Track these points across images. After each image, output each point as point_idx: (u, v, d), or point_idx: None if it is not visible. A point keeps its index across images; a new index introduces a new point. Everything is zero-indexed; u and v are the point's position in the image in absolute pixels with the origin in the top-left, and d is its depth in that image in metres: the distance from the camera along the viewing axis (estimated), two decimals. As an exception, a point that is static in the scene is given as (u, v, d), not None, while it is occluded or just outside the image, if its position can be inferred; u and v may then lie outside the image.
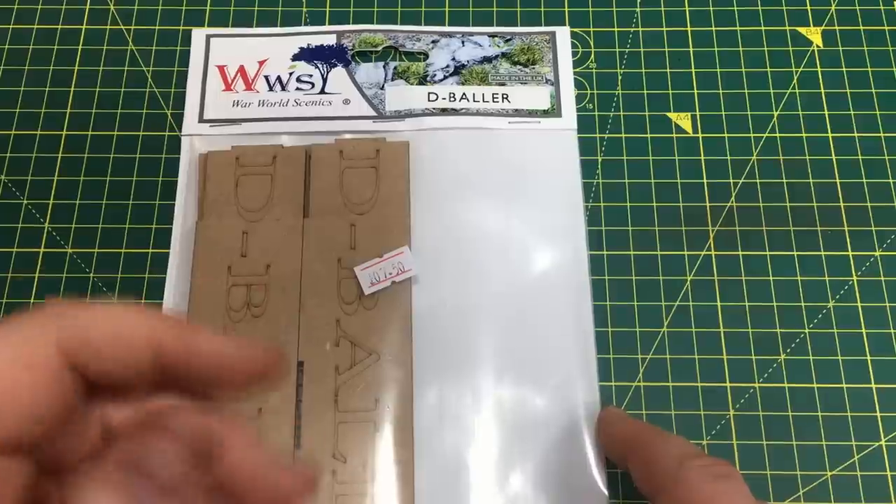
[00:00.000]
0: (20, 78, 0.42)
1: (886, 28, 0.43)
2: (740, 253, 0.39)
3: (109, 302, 0.25)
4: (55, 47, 0.43)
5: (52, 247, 0.39)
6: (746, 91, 0.42)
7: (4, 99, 0.42)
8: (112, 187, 0.40)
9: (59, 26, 0.44)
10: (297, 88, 0.41)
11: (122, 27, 0.44)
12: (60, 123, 0.41)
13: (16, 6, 0.44)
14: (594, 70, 0.43)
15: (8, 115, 0.42)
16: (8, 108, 0.42)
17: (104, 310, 0.20)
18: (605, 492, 0.34)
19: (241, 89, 0.41)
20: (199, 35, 0.43)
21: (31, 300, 0.38)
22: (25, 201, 0.40)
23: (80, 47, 0.43)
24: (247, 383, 0.22)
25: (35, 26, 0.44)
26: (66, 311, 0.19)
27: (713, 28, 0.43)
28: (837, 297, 0.38)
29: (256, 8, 0.44)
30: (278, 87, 0.41)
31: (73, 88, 0.42)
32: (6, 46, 0.43)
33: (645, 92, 0.42)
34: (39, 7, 0.44)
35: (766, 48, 0.43)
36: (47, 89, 0.42)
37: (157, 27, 0.44)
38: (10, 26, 0.44)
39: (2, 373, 0.18)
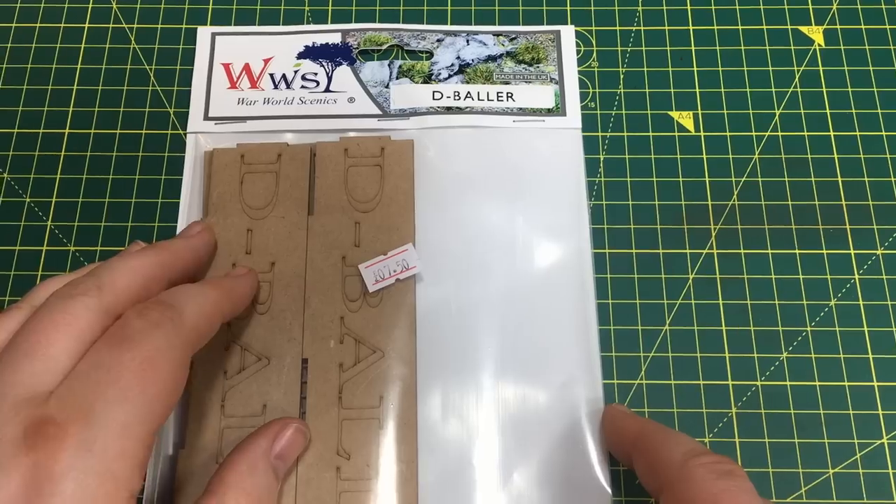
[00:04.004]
0: (23, 76, 0.42)
1: (888, 26, 0.43)
2: (742, 251, 0.39)
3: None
4: (58, 46, 0.43)
5: (55, 245, 0.39)
6: (748, 89, 0.42)
7: (7, 97, 0.42)
8: (115, 185, 0.40)
9: (62, 25, 0.44)
10: (302, 86, 0.41)
11: (124, 26, 0.44)
12: (63, 122, 0.41)
13: (18, 5, 0.44)
14: (596, 69, 0.43)
15: (11, 113, 0.42)
16: (11, 106, 0.42)
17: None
18: (609, 489, 0.35)
19: (247, 87, 0.41)
20: (204, 33, 0.43)
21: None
22: (28, 199, 0.40)
23: (82, 46, 0.43)
24: None
25: (38, 25, 0.44)
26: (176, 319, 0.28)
27: (715, 27, 0.44)
28: (839, 295, 0.38)
29: (259, 7, 0.44)
30: (283, 85, 0.41)
31: (75, 87, 0.42)
32: (9, 45, 0.43)
33: (647, 90, 0.42)
34: (42, 6, 0.44)
35: (767, 47, 0.43)
36: (50, 88, 0.42)
37: (159, 26, 0.44)
38: (13, 25, 0.44)
39: (168, 375, 0.26)
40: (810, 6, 0.44)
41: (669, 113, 0.42)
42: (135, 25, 0.44)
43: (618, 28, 0.44)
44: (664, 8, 0.44)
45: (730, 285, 0.38)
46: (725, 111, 0.42)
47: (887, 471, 0.35)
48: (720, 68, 0.43)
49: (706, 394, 0.37)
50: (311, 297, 0.37)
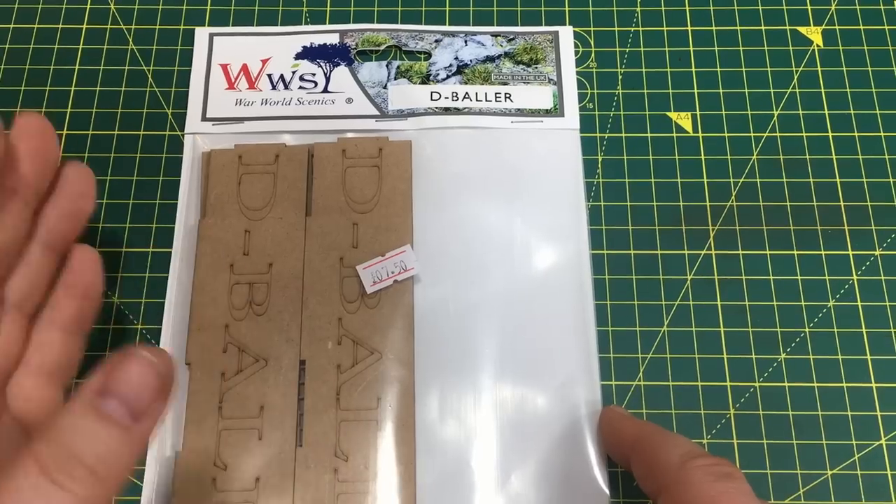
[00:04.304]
0: (21, 77, 0.42)
1: (886, 27, 0.43)
2: (740, 252, 0.39)
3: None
4: (56, 47, 0.43)
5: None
6: (747, 90, 0.42)
7: (5, 98, 0.42)
8: (112, 186, 0.40)
9: (60, 26, 0.44)
10: (300, 87, 0.41)
11: (122, 26, 0.44)
12: (61, 123, 0.41)
13: (16, 5, 0.44)
14: (594, 69, 0.43)
15: (9, 114, 0.41)
16: (9, 107, 0.42)
17: None
18: (607, 491, 0.35)
19: (244, 88, 0.41)
20: (202, 33, 0.43)
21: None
22: (26, 200, 0.40)
23: (80, 47, 0.43)
24: None
25: (35, 26, 0.44)
26: None
27: (713, 27, 0.44)
28: (838, 296, 0.38)
29: (257, 7, 0.44)
30: (281, 85, 0.41)
31: (73, 88, 0.42)
32: (7, 46, 0.43)
33: (645, 91, 0.42)
34: (40, 6, 0.44)
35: (766, 47, 0.43)
36: (48, 89, 0.42)
37: (157, 27, 0.44)
38: (11, 26, 0.44)
39: None
40: (809, 7, 0.44)
41: (668, 114, 0.42)
42: (133, 26, 0.44)
43: (616, 29, 0.44)
44: (662, 9, 0.44)
45: (728, 286, 0.38)
46: (724, 112, 0.42)
47: (885, 472, 0.35)
48: (718, 69, 0.43)
49: (704, 395, 0.37)
50: (309, 298, 0.37)
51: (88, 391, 0.22)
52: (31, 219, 0.30)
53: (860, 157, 0.41)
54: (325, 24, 0.43)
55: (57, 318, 0.31)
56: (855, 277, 0.38)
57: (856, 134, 0.41)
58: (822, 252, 0.39)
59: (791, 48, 0.43)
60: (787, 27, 0.44)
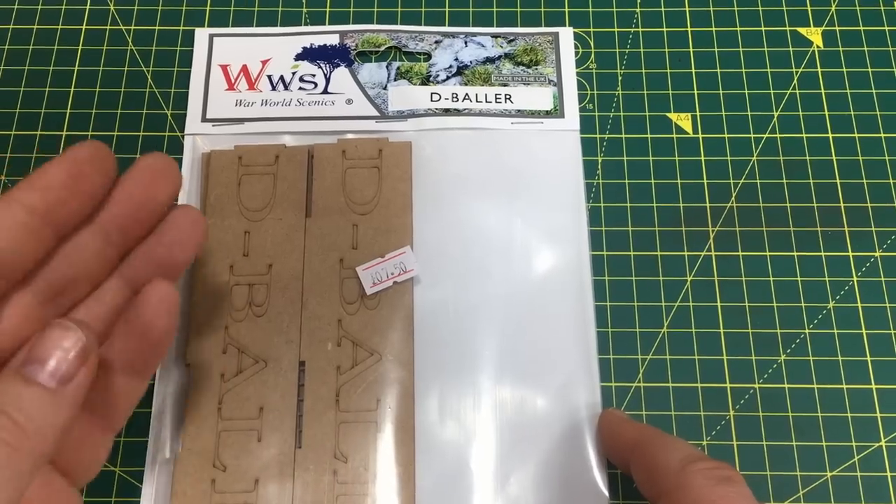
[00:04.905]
0: (20, 78, 0.42)
1: (887, 28, 0.43)
2: (740, 253, 0.39)
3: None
4: (55, 47, 0.43)
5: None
6: (747, 91, 0.42)
7: (4, 99, 0.42)
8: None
9: (59, 26, 0.44)
10: (300, 88, 0.41)
11: (122, 27, 0.44)
12: (61, 124, 0.41)
13: (16, 6, 0.44)
14: (594, 70, 0.43)
15: (8, 115, 0.42)
16: (8, 108, 0.42)
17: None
18: (607, 493, 0.35)
19: (244, 89, 0.41)
20: (202, 34, 0.43)
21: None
22: (26, 201, 0.40)
23: (80, 47, 0.43)
24: None
25: (35, 26, 0.44)
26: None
27: (713, 28, 0.44)
28: (838, 297, 0.38)
29: (256, 8, 0.44)
30: (281, 86, 0.41)
31: (73, 88, 0.42)
32: (6, 47, 0.43)
33: (645, 92, 0.42)
34: (39, 7, 0.44)
35: (766, 48, 0.43)
36: (47, 89, 0.42)
37: (157, 27, 0.44)
38: (10, 26, 0.44)
39: None
40: (809, 8, 0.44)
41: (667, 115, 0.42)
42: (132, 27, 0.44)
43: (616, 30, 0.44)
44: (662, 9, 0.44)
45: (728, 287, 0.38)
46: (724, 113, 0.42)
47: (885, 474, 0.35)
48: (718, 70, 0.43)
49: (704, 396, 0.37)
50: (309, 299, 0.37)
51: (15, 360, 0.24)
52: (113, 257, 0.29)
53: (860, 158, 0.41)
54: (324, 24, 0.43)
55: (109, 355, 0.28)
56: (855, 279, 0.38)
57: (856, 135, 0.41)
58: (823, 253, 0.39)
59: (791, 49, 0.43)
60: (787, 28, 0.43)
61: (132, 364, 0.28)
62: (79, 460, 0.28)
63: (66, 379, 0.24)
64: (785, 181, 0.40)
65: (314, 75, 0.42)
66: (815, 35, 0.43)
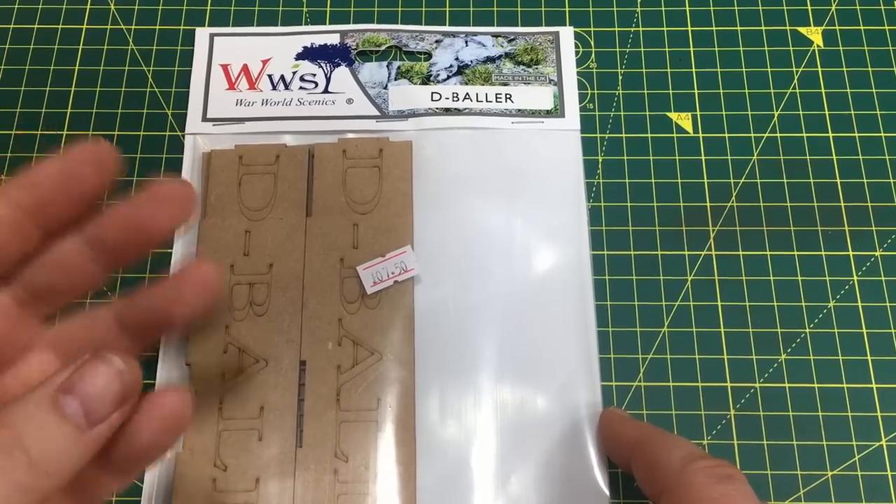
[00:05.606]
0: (21, 78, 0.42)
1: (887, 27, 0.43)
2: (741, 253, 0.39)
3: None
4: (56, 47, 0.43)
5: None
6: (747, 91, 0.42)
7: (5, 99, 0.42)
8: (113, 187, 0.40)
9: (60, 26, 0.44)
10: (301, 88, 0.41)
11: (122, 27, 0.44)
12: (61, 123, 0.41)
13: (16, 6, 0.44)
14: (595, 70, 0.43)
15: (9, 114, 0.42)
16: (9, 108, 0.42)
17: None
18: (607, 492, 0.35)
19: (245, 88, 0.41)
20: (202, 34, 0.43)
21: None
22: (27, 201, 0.40)
23: (80, 47, 0.43)
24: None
25: (35, 26, 0.44)
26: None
27: (714, 28, 0.44)
28: (838, 296, 0.38)
29: (257, 8, 0.44)
30: (282, 86, 0.41)
31: (73, 88, 0.42)
32: (7, 46, 0.43)
33: (645, 92, 0.42)
34: (40, 7, 0.44)
35: (766, 48, 0.43)
36: (48, 89, 0.42)
37: (157, 27, 0.44)
38: (11, 26, 0.44)
39: None
40: (809, 7, 0.44)
41: (668, 114, 0.42)
42: (133, 27, 0.44)
43: (616, 29, 0.44)
44: (663, 9, 0.44)
45: (728, 287, 0.38)
46: (724, 112, 0.42)
47: (886, 473, 0.35)
48: (719, 69, 0.43)
49: (704, 396, 0.37)
50: (310, 298, 0.37)
51: (52, 384, 0.22)
52: (97, 274, 0.27)
53: (860, 157, 0.41)
54: (325, 24, 0.43)
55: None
56: (855, 278, 0.38)
57: (856, 134, 0.41)
58: (823, 253, 0.39)
59: (791, 48, 0.43)
60: (788, 27, 0.44)
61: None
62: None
63: (98, 420, 0.22)
64: (785, 181, 0.40)
65: (315, 75, 0.42)
66: (815, 34, 0.43)
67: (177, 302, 0.27)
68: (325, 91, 0.41)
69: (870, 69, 0.42)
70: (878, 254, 0.39)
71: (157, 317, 0.27)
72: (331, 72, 0.42)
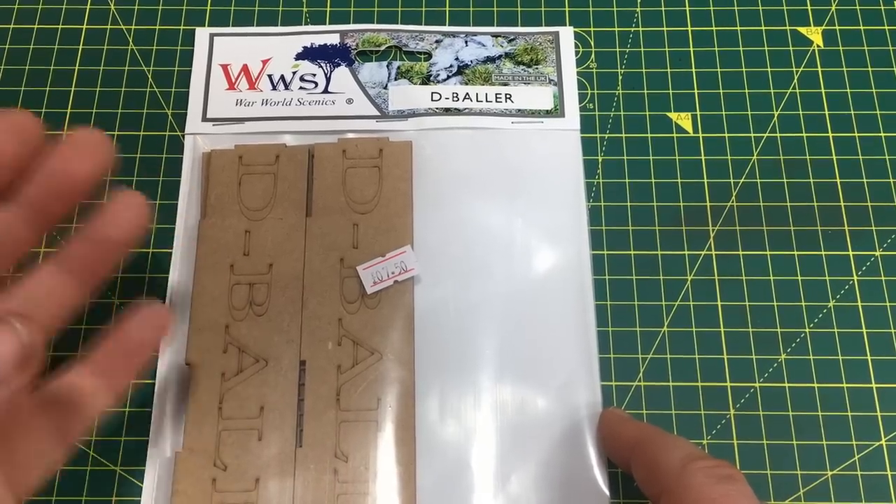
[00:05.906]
0: (21, 78, 0.42)
1: (887, 27, 0.43)
2: (741, 252, 0.39)
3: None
4: (55, 47, 0.43)
5: (53, 246, 0.39)
6: (747, 91, 0.42)
7: (5, 99, 0.42)
8: (112, 187, 0.40)
9: (60, 26, 0.44)
10: (301, 88, 0.41)
11: (122, 27, 0.44)
12: (61, 123, 0.41)
13: (16, 6, 0.44)
14: (595, 70, 0.43)
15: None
16: (9, 107, 0.42)
17: None
18: (607, 492, 0.35)
19: (245, 88, 0.41)
20: (202, 34, 0.43)
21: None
22: (27, 201, 0.40)
23: (80, 47, 0.43)
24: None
25: (35, 26, 0.44)
26: None
27: (713, 28, 0.44)
28: (838, 296, 0.38)
29: (257, 8, 0.44)
30: (282, 86, 0.41)
31: (73, 88, 0.42)
32: (7, 46, 0.43)
33: (645, 92, 0.42)
34: (40, 7, 0.44)
35: (766, 48, 0.43)
36: (48, 89, 0.42)
37: (157, 27, 0.44)
38: (11, 26, 0.44)
39: None
40: (809, 7, 0.44)
41: (668, 114, 0.42)
42: (133, 27, 0.44)
43: (616, 29, 0.44)
44: (663, 9, 0.44)
45: (728, 287, 0.38)
46: (724, 112, 0.42)
47: (885, 473, 0.35)
48: (719, 69, 0.43)
49: (704, 395, 0.37)
50: (309, 298, 0.37)
51: None
52: (30, 236, 0.28)
53: (860, 157, 0.41)
54: (325, 24, 0.43)
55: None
56: (855, 278, 0.38)
57: (856, 134, 0.41)
58: (823, 252, 0.39)
59: (791, 48, 0.43)
60: (788, 27, 0.44)
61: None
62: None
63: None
64: (785, 180, 0.40)
65: (315, 75, 0.42)
66: (815, 34, 0.43)
67: (110, 224, 0.28)
68: (325, 91, 0.41)
69: (870, 69, 0.42)
70: (878, 254, 0.39)
71: (96, 249, 0.29)
72: (331, 72, 0.42)
